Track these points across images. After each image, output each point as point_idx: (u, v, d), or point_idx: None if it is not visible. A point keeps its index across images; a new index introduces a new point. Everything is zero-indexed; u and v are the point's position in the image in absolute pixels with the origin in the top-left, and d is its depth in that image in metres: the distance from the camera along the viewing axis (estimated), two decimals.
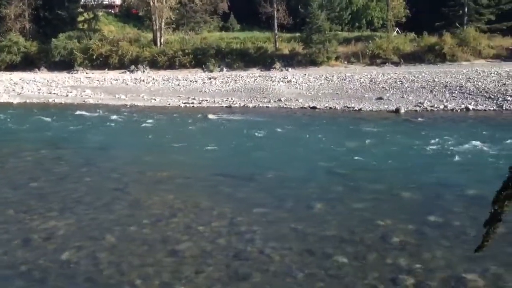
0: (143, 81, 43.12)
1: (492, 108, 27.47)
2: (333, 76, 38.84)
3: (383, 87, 33.66)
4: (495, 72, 34.82)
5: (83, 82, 44.18)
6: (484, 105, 27.98)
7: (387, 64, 44.42)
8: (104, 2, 66.90)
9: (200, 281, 9.40)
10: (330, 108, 30.24)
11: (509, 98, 28.38)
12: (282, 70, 45.14)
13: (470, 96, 29.64)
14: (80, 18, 61.12)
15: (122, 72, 49.00)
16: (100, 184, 15.92)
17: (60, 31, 54.78)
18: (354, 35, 53.40)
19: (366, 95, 32.19)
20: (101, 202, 13.96)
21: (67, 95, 38.75)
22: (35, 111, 32.52)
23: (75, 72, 50.05)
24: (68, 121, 28.71)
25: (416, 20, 50.82)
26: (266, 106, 31.87)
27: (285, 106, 31.51)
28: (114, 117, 29.53)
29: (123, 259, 10.37)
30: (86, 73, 49.78)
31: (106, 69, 50.43)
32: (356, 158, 18.46)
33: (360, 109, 29.37)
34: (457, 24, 49.75)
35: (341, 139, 21.70)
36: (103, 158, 19.70)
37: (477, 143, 19.38)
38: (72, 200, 14.24)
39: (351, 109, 29.69)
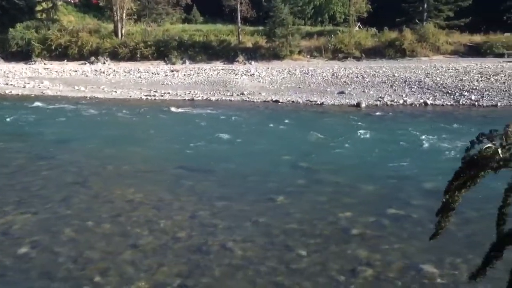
0: (104, 72, 42.37)
1: (449, 103, 28.14)
2: (296, 70, 39.04)
3: (345, 82, 34.04)
4: (453, 68, 35.66)
5: (41, 73, 43.08)
6: (442, 100, 28.64)
7: (349, 58, 44.94)
8: None
9: (161, 275, 9.30)
10: (293, 101, 30.41)
11: (465, 93, 29.13)
12: (245, 64, 45.11)
13: (429, 91, 30.28)
14: (39, 8, 59.50)
15: (82, 64, 48.04)
16: (58, 178, 15.57)
17: (18, 21, 53.28)
18: (317, 30, 53.78)
19: (328, 89, 32.50)
20: (59, 196, 13.65)
21: (24, 87, 37.75)
22: None
23: (33, 63, 48.80)
24: (25, 113, 27.95)
25: (377, 15, 51.53)
26: (229, 100, 31.81)
27: (248, 99, 31.52)
28: (73, 109, 28.93)
29: (82, 253, 10.18)
30: (45, 64, 48.58)
31: (65, 60, 49.35)
32: (318, 151, 18.61)
33: (322, 103, 29.64)
34: (417, 20, 50.72)
35: (304, 133, 21.84)
36: (61, 151, 19.27)
37: (435, 136, 19.82)
38: (29, 194, 13.88)
39: (314, 103, 29.93)
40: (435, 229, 1.35)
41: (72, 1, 67.06)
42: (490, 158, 1.23)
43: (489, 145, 1.26)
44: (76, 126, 24.62)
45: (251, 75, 38.27)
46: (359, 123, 23.88)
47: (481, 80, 31.26)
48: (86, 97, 33.57)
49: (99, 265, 9.70)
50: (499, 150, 1.24)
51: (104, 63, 48.01)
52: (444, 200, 1.35)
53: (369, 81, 33.57)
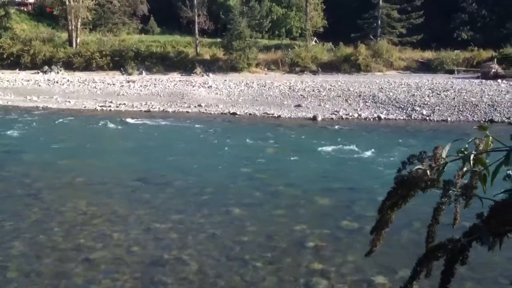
0: (57, 82, 41.54)
1: (402, 118, 28.90)
2: (253, 82, 39.31)
3: (301, 95, 34.48)
4: (405, 83, 36.68)
5: None
6: (395, 115, 29.39)
7: (305, 72, 45.57)
8: (17, 0, 63.83)
9: None
10: (250, 114, 30.58)
11: (417, 108, 29.99)
12: (202, 75, 45.09)
13: (382, 106, 31.03)
14: None
15: (35, 73, 46.93)
16: (9, 190, 15.15)
17: None
18: (274, 43, 54.36)
19: (285, 102, 32.85)
20: (10, 209, 13.29)
21: None
22: None
23: None
24: None
25: (333, 30, 52.58)
26: (186, 111, 31.71)
27: (205, 111, 31.51)
28: (25, 119, 28.21)
29: (33, 268, 9.93)
30: None
31: (17, 69, 48.11)
32: (274, 164, 18.78)
33: (279, 116, 29.93)
34: (371, 36, 52.00)
35: (260, 145, 22.00)
36: (13, 162, 18.77)
37: (388, 150, 20.33)
38: None
39: (271, 115, 30.19)
40: (370, 246, 1.44)
41: (25, 9, 65.58)
42: (419, 178, 1.33)
43: (419, 166, 1.37)
44: (28, 137, 24.01)
45: (208, 87, 38.30)
46: (315, 136, 24.22)
47: (432, 96, 32.27)
48: (39, 107, 32.82)
49: (51, 280, 9.49)
50: (428, 171, 1.35)
51: (58, 72, 47.07)
52: (378, 218, 1.45)
53: (325, 95, 34.13)
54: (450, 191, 1.34)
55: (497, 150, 1.33)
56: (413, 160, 1.37)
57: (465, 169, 1.36)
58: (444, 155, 1.37)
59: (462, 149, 1.36)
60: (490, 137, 1.37)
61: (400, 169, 1.38)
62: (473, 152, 1.34)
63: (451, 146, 1.40)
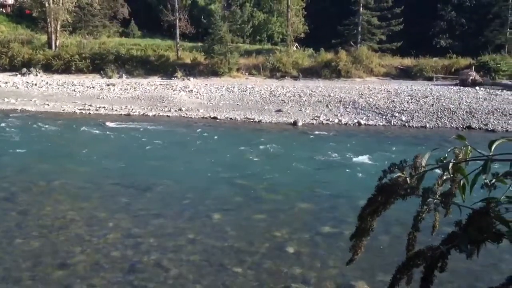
0: (36, 85, 41.05)
1: (381, 123, 29.17)
2: (234, 87, 39.33)
3: (282, 100, 34.59)
4: (385, 90, 37.06)
5: None
6: (375, 120, 29.65)
7: (286, 77, 45.74)
8: None
9: None
10: (231, 119, 30.57)
11: (396, 114, 30.30)
12: (183, 79, 44.97)
13: (362, 112, 31.28)
14: None
15: (13, 75, 46.33)
16: None
17: None
18: (255, 48, 54.51)
19: (266, 107, 32.92)
20: None
21: None
22: None
23: None
24: None
25: (314, 36, 52.93)
26: (167, 115, 31.57)
27: (186, 115, 31.40)
28: (2, 122, 27.79)
29: (10, 273, 9.77)
30: None
31: None
32: (255, 169, 18.78)
33: (260, 121, 29.96)
34: (352, 43, 52.47)
35: (241, 150, 21.99)
36: None
37: (368, 156, 20.48)
38: None
39: (251, 120, 30.21)
40: (351, 254, 1.45)
41: (4, 11, 64.75)
42: (399, 185, 1.35)
43: (399, 174, 1.38)
44: (5, 140, 23.65)
45: (189, 91, 38.20)
46: (296, 142, 24.33)
47: (411, 102, 32.65)
48: (17, 109, 32.38)
49: (28, 285, 9.34)
50: (408, 179, 1.37)
51: (37, 75, 46.53)
52: (357, 225, 1.46)
53: (305, 100, 34.28)
54: (429, 199, 1.36)
55: (475, 159, 1.35)
56: (394, 168, 1.39)
57: (444, 177, 1.38)
58: (423, 164, 1.39)
59: (442, 158, 1.38)
60: (469, 147, 1.39)
61: (381, 177, 1.40)
62: (452, 161, 1.37)
63: (430, 155, 1.42)
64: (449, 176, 1.36)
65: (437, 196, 1.35)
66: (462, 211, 1.32)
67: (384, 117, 30.17)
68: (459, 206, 1.32)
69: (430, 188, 1.35)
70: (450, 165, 1.35)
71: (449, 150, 1.42)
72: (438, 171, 1.41)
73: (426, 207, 1.34)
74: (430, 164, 1.41)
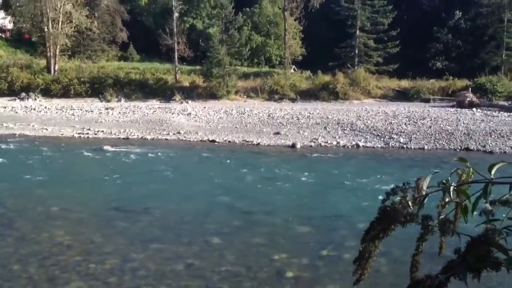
0: (34, 109, 41.14)
1: (380, 145, 29.17)
2: (232, 110, 39.43)
3: (280, 122, 34.66)
4: (383, 111, 37.17)
5: None
6: (373, 142, 29.67)
7: (284, 100, 45.94)
8: None
9: None
10: (229, 141, 30.56)
11: (395, 136, 30.34)
12: (182, 103, 45.13)
13: (360, 134, 31.32)
14: None
15: (12, 99, 46.46)
16: None
17: None
18: (253, 71, 54.87)
19: (264, 130, 32.95)
20: None
21: None
22: None
23: None
24: None
25: (312, 59, 53.37)
26: (165, 139, 31.57)
27: (184, 138, 31.41)
28: (0, 147, 27.75)
29: None
30: None
31: None
32: (254, 192, 18.71)
33: (259, 143, 29.96)
34: (349, 65, 52.88)
35: (240, 173, 21.94)
36: None
37: (367, 178, 20.43)
38: None
39: (250, 143, 30.20)
40: (357, 275, 1.43)
41: (3, 36, 65.26)
42: (399, 212, 1.33)
43: (400, 198, 1.36)
44: (3, 165, 23.58)
45: (187, 114, 38.29)
46: (294, 164, 24.28)
47: (409, 124, 32.73)
48: (15, 134, 32.36)
49: None
50: (410, 203, 1.35)
51: (36, 99, 46.68)
52: (360, 249, 1.44)
53: (304, 123, 34.35)
54: (430, 223, 1.33)
55: (477, 182, 1.33)
56: (397, 190, 1.36)
57: (446, 199, 1.36)
58: (425, 187, 1.37)
59: (444, 181, 1.36)
60: (471, 169, 1.37)
61: (384, 200, 1.37)
62: (453, 184, 1.35)
63: (432, 177, 1.40)
64: (451, 199, 1.34)
65: (436, 223, 1.32)
66: (461, 238, 1.30)
67: (382, 139, 30.20)
68: (458, 234, 1.30)
69: (430, 216, 1.33)
70: (451, 188, 1.33)
71: (451, 171, 1.40)
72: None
73: (426, 233, 1.32)
74: (432, 186, 1.39)
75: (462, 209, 1.34)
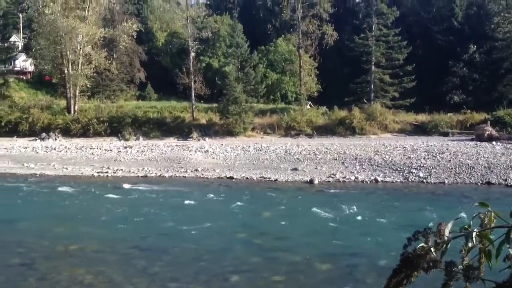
0: (55, 149, 41.71)
1: (399, 180, 28.93)
2: (249, 146, 39.56)
3: (297, 158, 34.64)
4: (401, 146, 36.99)
5: None
6: (392, 177, 29.45)
7: (301, 135, 46.00)
8: (16, 68, 65.21)
9: None
10: (247, 178, 30.57)
11: (414, 170, 30.09)
12: (199, 140, 45.42)
13: (379, 168, 31.14)
14: None
15: (32, 140, 47.18)
16: (4, 259, 14.88)
17: None
18: (270, 107, 55.20)
19: (281, 166, 32.94)
20: (4, 279, 13.01)
21: None
22: None
23: None
24: None
25: (327, 95, 53.66)
26: (183, 176, 31.70)
27: (202, 176, 31.51)
28: (21, 187, 28.11)
29: None
30: None
31: (15, 137, 48.37)
32: (272, 228, 18.61)
33: (276, 180, 29.91)
34: (365, 100, 53.01)
35: (258, 210, 21.88)
36: (8, 231, 18.53)
37: (386, 214, 20.23)
38: None
39: (267, 179, 30.17)
40: None
41: (24, 78, 66.80)
42: (422, 258, 1.35)
43: (423, 244, 1.39)
44: (24, 204, 23.83)
45: (205, 151, 38.49)
46: (313, 200, 24.15)
47: (428, 158, 32.48)
48: (36, 174, 32.76)
49: None
50: (432, 249, 1.37)
51: (56, 139, 47.36)
52: None
53: (321, 158, 34.29)
54: (454, 270, 1.35)
55: (499, 227, 1.36)
56: (418, 236, 1.39)
57: (469, 245, 1.38)
58: (447, 233, 1.39)
59: (466, 226, 1.39)
60: (493, 213, 1.40)
61: (406, 246, 1.40)
62: (475, 230, 1.37)
63: (454, 222, 1.42)
64: (473, 244, 1.36)
65: (460, 269, 1.34)
66: (486, 284, 1.31)
67: (401, 173, 29.97)
68: (483, 280, 1.31)
69: (453, 262, 1.34)
70: (474, 233, 1.35)
71: (473, 215, 1.43)
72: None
73: (451, 280, 1.34)
74: (454, 231, 1.42)
75: (486, 254, 1.36)
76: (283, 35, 64.91)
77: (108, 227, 19.22)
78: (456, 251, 1.47)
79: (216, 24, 66.95)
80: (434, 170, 29.89)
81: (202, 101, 55.94)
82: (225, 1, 78.22)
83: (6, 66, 61.73)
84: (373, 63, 55.11)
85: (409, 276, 1.37)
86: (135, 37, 59.28)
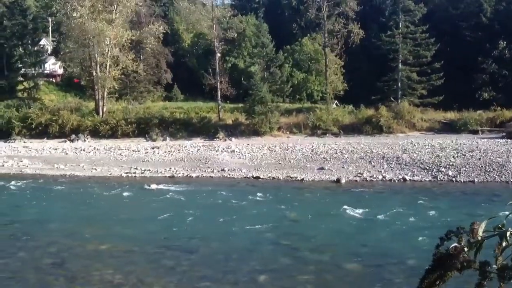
0: (84, 150, 42.39)
1: (427, 179, 28.55)
2: (275, 146, 39.54)
3: (324, 158, 34.48)
4: (429, 144, 36.50)
5: (20, 152, 42.89)
6: (420, 176, 29.08)
7: (327, 135, 45.79)
8: (46, 71, 66.47)
9: None
10: (273, 178, 30.57)
11: (443, 169, 29.66)
12: (225, 140, 45.61)
13: (407, 167, 30.79)
14: (20, 87, 60.21)
15: (62, 141, 48.05)
16: (35, 259, 15.19)
17: None
18: (295, 107, 55.09)
19: (308, 165, 32.84)
20: (36, 279, 13.29)
21: (3, 165, 37.42)
22: None
23: (13, 141, 48.64)
24: (3, 192, 27.57)
25: (354, 93, 53.27)
26: (210, 176, 31.87)
27: (228, 176, 31.62)
28: (52, 188, 28.65)
29: None
30: (24, 142, 48.46)
31: (46, 138, 49.33)
32: (299, 228, 18.57)
33: (303, 179, 29.83)
34: (392, 98, 52.47)
35: (284, 209, 21.86)
36: (39, 231, 18.90)
37: (415, 213, 19.98)
38: (5, 277, 13.49)
39: (294, 179, 30.11)
40: None
41: (53, 80, 68.06)
42: (456, 258, 1.33)
43: (456, 244, 1.37)
44: (55, 205, 24.28)
45: (231, 151, 38.62)
46: (340, 199, 24.00)
47: (457, 156, 31.98)
48: (66, 175, 33.35)
49: None
50: (465, 249, 1.35)
51: (85, 140, 48.14)
52: None
53: (348, 157, 34.07)
54: (488, 269, 1.34)
55: None
56: (451, 235, 1.38)
57: (503, 244, 1.36)
58: (480, 233, 1.37)
59: (500, 225, 1.37)
60: None
61: (438, 245, 1.39)
62: (509, 229, 1.35)
63: (487, 222, 1.40)
64: (508, 244, 1.34)
65: (495, 268, 1.32)
66: None
67: (429, 172, 29.58)
68: None
69: (488, 262, 1.33)
70: (508, 233, 1.33)
71: (507, 215, 1.40)
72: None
73: (485, 280, 1.32)
74: (488, 230, 1.40)
75: None
76: (308, 34, 64.72)
77: (137, 227, 19.45)
78: (490, 251, 1.45)
79: (241, 24, 67.07)
80: (464, 168, 29.42)
81: (228, 101, 56.16)
82: (250, 1, 78.41)
83: (36, 69, 62.91)
84: (400, 60, 54.52)
85: (443, 276, 1.36)
86: (161, 38, 59.86)
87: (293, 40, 66.37)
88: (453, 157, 31.98)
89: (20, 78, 61.13)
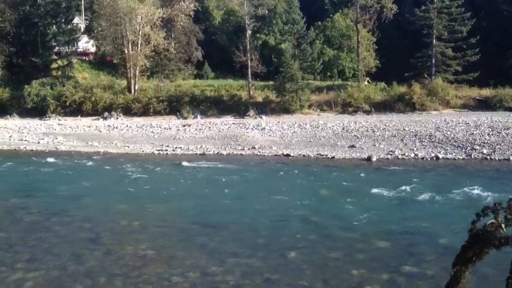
0: (117, 128, 43.01)
1: (461, 157, 28.05)
2: (306, 124, 39.38)
3: (355, 135, 34.21)
4: (463, 122, 35.79)
5: (55, 129, 43.83)
6: (454, 154, 28.59)
7: (358, 112, 45.35)
8: (79, 50, 67.34)
9: None
10: (304, 155, 30.50)
11: (477, 147, 29.09)
12: (256, 118, 45.64)
13: (440, 145, 30.30)
14: (54, 65, 61.22)
15: (95, 119, 48.86)
16: (70, 234, 15.60)
17: (33, 78, 54.77)
18: (326, 84, 54.59)
19: (338, 143, 32.64)
20: (71, 253, 13.65)
21: (38, 142, 38.31)
22: (5, 158, 31.96)
23: (48, 119, 49.72)
24: (39, 168, 28.26)
25: (386, 70, 52.41)
26: (240, 154, 31.99)
27: (259, 153, 31.68)
28: (86, 164, 29.24)
29: None
30: (59, 119, 49.49)
31: (79, 116, 50.26)
32: (329, 206, 18.55)
33: (333, 157, 29.67)
34: (425, 75, 51.44)
35: (315, 187, 21.83)
36: (74, 207, 19.37)
37: (448, 191, 19.70)
38: (41, 251, 13.89)
39: (324, 156, 29.98)
40: None
41: (87, 59, 68.93)
42: (493, 234, 1.30)
43: (493, 220, 1.33)
44: (89, 181, 24.77)
45: (261, 129, 38.63)
46: (371, 178, 23.83)
47: (492, 134, 31.30)
48: (99, 152, 33.95)
49: None
50: (502, 226, 1.32)
51: (117, 118, 48.84)
52: (452, 273, 1.42)
53: (379, 135, 33.71)
54: None
55: None
56: (487, 211, 1.34)
57: None
58: None
59: None
60: None
61: (474, 222, 1.35)
62: None
63: None
64: None
65: None
66: None
67: (463, 150, 29.05)
68: None
69: None
70: None
71: None
72: None
73: None
74: None
75: None
76: (340, 10, 63.72)
77: (169, 204, 19.74)
78: None
79: (272, 1, 66.41)
80: (499, 146, 28.80)
81: (258, 79, 56.00)
82: None
83: (70, 47, 63.81)
84: (434, 36, 53.26)
85: (480, 253, 1.33)
86: (192, 16, 59.87)
87: (324, 16, 65.50)
88: (488, 134, 31.33)
89: (54, 57, 62.10)
